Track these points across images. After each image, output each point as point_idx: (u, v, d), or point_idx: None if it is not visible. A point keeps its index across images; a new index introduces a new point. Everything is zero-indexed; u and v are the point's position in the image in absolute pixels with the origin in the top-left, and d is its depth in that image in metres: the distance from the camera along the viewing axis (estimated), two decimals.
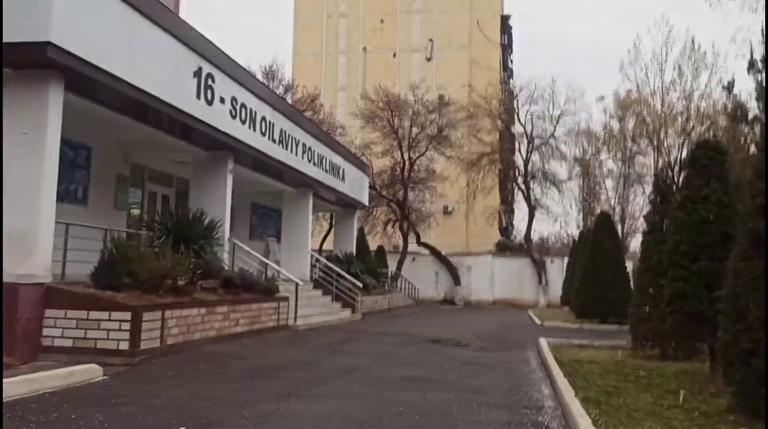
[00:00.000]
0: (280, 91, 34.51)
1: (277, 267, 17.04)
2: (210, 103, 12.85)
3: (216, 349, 10.48)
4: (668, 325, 8.27)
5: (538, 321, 21.07)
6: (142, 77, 10.52)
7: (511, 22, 58.14)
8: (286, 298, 14.89)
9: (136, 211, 16.00)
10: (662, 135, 19.20)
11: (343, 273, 20.58)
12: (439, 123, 37.20)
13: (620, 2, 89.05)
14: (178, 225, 11.64)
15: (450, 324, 19.41)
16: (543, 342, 12.62)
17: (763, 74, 18.71)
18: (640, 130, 19.22)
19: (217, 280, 12.93)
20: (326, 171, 21.01)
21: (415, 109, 36.84)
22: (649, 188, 36.99)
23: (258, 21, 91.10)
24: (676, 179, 19.76)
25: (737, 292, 6.01)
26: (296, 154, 18.26)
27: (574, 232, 59.33)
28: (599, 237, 20.34)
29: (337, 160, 22.22)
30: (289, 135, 17.56)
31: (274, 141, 16.56)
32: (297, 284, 15.43)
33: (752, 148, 21.16)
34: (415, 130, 36.98)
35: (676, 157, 19.19)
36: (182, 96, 11.91)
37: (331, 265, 20.97)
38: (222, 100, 13.39)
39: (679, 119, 19.07)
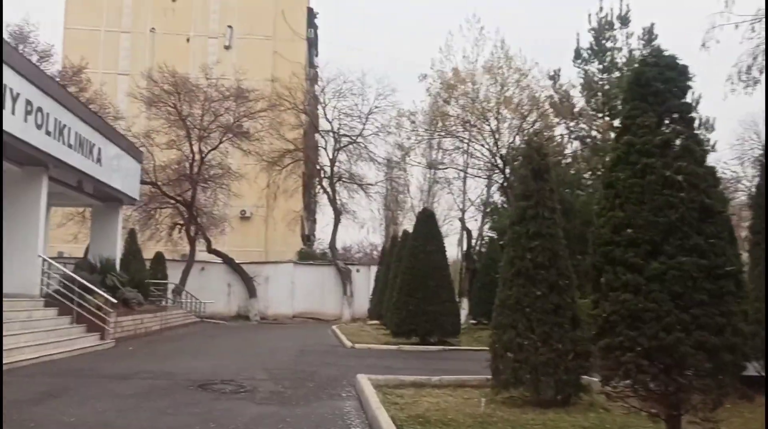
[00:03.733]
0: (34, 59, 27.42)
1: None
2: None
3: None
4: (606, 371, 4.60)
5: (347, 342, 17.21)
6: None
7: (317, 21, 54.92)
8: None
9: None
10: (494, 121, 16.46)
11: (90, 286, 15.06)
12: (236, 112, 32.32)
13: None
14: None
15: (236, 350, 14.82)
16: (364, 381, 8.67)
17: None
18: (471, 110, 16.29)
19: None
20: (70, 146, 15.39)
21: (208, 94, 31.63)
22: (458, 186, 35.15)
23: None
24: (507, 172, 17.16)
25: None
26: (14, 114, 12.61)
27: (378, 241, 57.75)
28: (420, 238, 17.07)
29: (89, 133, 16.60)
30: None
31: None
32: None
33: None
34: (207, 118, 31.74)
35: (509, 143, 16.44)
36: None
37: (73, 275, 15.31)
38: None
39: (514, 103, 16.46)
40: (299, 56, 46.81)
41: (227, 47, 45.18)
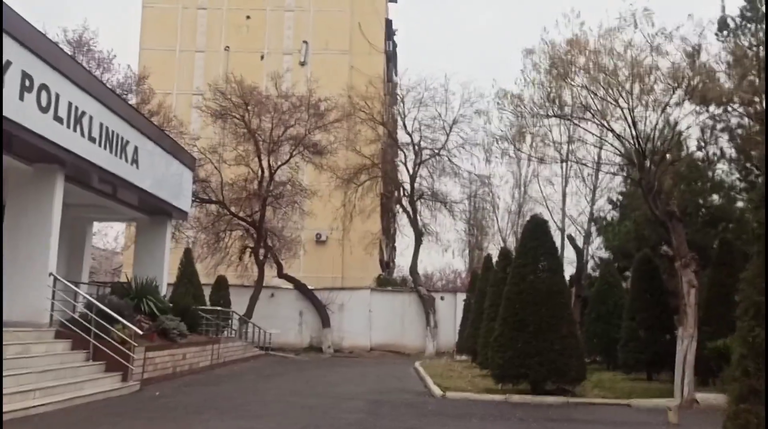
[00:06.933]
0: (92, 66, 25.49)
1: None
2: None
3: None
4: None
5: (435, 388, 13.30)
6: None
7: (396, 38, 52.04)
8: None
9: None
10: (624, 102, 12.41)
11: (112, 313, 11.94)
12: (308, 123, 29.41)
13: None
14: None
15: (288, 400, 11.16)
16: None
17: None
18: (595, 88, 12.33)
19: None
20: (92, 140, 12.49)
21: (278, 105, 28.89)
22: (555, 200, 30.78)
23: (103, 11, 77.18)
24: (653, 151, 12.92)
25: None
26: (19, 97, 9.76)
27: (462, 267, 53.37)
28: (529, 255, 13.10)
29: (121, 127, 13.71)
30: None
31: None
32: None
33: None
34: (277, 132, 28.99)
35: (655, 124, 12.30)
36: None
37: (91, 298, 12.27)
38: None
39: (651, 77, 12.41)
40: (377, 70, 43.98)
41: (302, 63, 42.84)
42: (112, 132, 13.28)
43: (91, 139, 12.48)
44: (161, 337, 14.15)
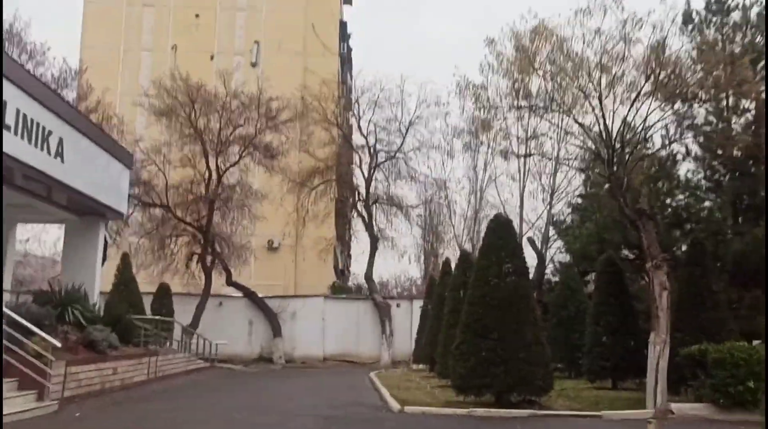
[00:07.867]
0: (23, 59, 23.72)
1: None
2: None
3: None
4: None
5: (392, 401, 12.22)
6: None
7: (351, 41, 51.06)
8: None
9: None
10: (599, 88, 11.63)
11: (28, 324, 10.51)
12: (259, 123, 28.16)
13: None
14: None
15: (228, 418, 9.91)
16: None
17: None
18: (560, 81, 11.54)
19: None
20: (9, 129, 11.06)
21: (227, 103, 27.59)
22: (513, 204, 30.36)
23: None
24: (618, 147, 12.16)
25: None
26: None
27: (417, 274, 52.48)
28: (492, 256, 12.19)
29: (46, 117, 12.27)
30: None
31: None
32: None
33: None
34: (225, 132, 27.65)
35: (624, 118, 11.55)
36: None
37: (7, 310, 10.80)
38: None
39: (620, 67, 11.67)
40: (332, 72, 42.86)
41: (254, 64, 41.41)
42: (34, 121, 11.85)
43: (6, 127, 11.05)
44: (88, 349, 12.72)
